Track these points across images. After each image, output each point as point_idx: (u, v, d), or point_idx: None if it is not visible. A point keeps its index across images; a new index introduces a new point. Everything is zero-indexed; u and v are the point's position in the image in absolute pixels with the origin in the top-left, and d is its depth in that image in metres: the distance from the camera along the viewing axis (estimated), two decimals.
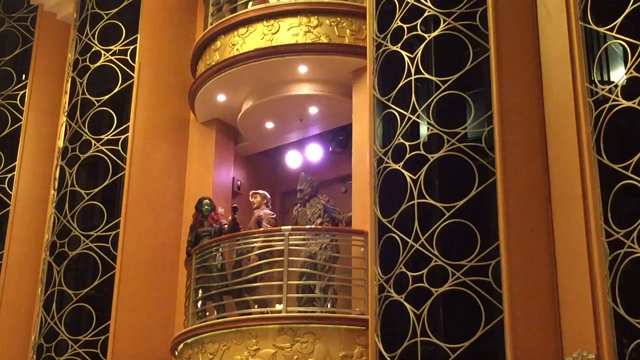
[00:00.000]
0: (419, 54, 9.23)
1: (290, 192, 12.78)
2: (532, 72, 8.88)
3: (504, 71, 8.69)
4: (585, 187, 7.98)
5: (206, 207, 11.68)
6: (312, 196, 11.46)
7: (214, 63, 12.11)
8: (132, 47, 12.84)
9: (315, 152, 13.09)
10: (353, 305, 10.59)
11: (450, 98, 8.89)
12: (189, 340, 10.92)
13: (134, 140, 12.33)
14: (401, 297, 8.65)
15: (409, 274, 8.61)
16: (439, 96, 8.93)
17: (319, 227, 11.06)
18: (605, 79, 8.15)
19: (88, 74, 13.00)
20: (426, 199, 8.68)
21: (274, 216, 11.66)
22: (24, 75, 14.66)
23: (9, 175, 13.98)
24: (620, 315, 7.33)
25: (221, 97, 12.54)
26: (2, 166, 14.09)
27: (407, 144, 9.05)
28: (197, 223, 11.68)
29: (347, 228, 11.05)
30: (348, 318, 10.24)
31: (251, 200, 11.91)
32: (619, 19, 7.83)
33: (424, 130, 9.01)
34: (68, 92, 13.29)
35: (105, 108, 12.66)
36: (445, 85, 8.92)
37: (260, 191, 11.98)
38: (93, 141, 12.49)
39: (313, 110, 12.38)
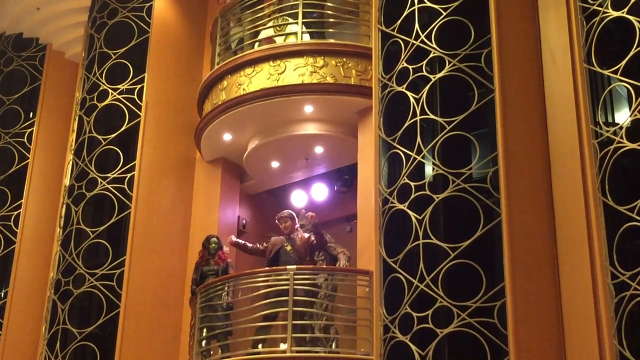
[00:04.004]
0: (424, 95, 9.28)
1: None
2: (537, 113, 8.92)
3: (509, 112, 8.72)
4: (590, 229, 7.98)
5: (213, 245, 11.68)
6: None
7: (220, 102, 12.18)
8: (139, 86, 12.95)
9: (320, 192, 13.12)
10: (358, 345, 10.53)
11: (456, 139, 8.91)
12: None
13: (140, 178, 12.38)
14: (406, 338, 8.61)
15: (414, 314, 8.58)
16: (444, 137, 8.96)
17: (324, 267, 11.03)
18: (610, 120, 8.18)
19: (95, 112, 13.10)
20: (431, 239, 8.68)
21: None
22: (31, 114, 14.77)
23: (15, 212, 14.03)
24: (626, 357, 7.28)
25: (227, 136, 12.59)
26: (8, 204, 14.14)
27: (412, 184, 9.07)
28: (203, 261, 11.67)
29: (352, 268, 11.02)
30: (353, 358, 10.19)
31: (283, 225, 11.34)
32: (623, 62, 7.88)
33: (429, 171, 9.03)
34: (75, 130, 13.38)
35: (111, 146, 12.73)
36: (451, 125, 8.95)
37: (287, 213, 11.46)
38: (99, 179, 12.54)
39: (318, 149, 12.43)
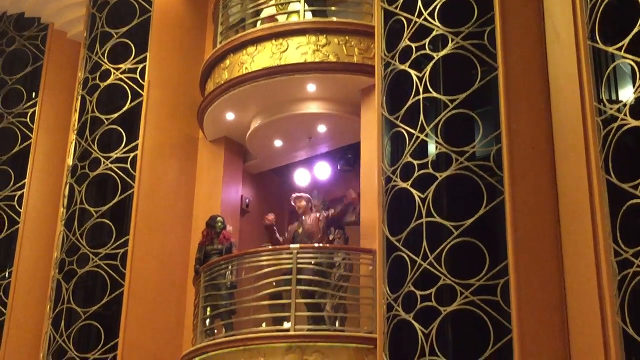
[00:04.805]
0: (427, 73, 9.26)
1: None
2: (540, 90, 8.89)
3: (512, 90, 8.70)
4: (593, 206, 7.97)
5: (219, 223, 11.70)
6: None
7: (222, 81, 12.15)
8: (141, 65, 12.91)
9: (323, 170, 13.10)
10: (361, 323, 10.57)
11: (459, 117, 8.90)
12: (197, 358, 10.92)
13: (143, 158, 12.37)
14: (409, 316, 8.64)
15: (417, 292, 8.60)
16: (447, 115, 8.95)
17: (327, 245, 11.05)
18: (614, 98, 8.14)
19: (98, 92, 13.07)
20: (434, 217, 8.69)
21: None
22: (34, 94, 14.73)
23: (19, 192, 14.02)
24: (629, 334, 7.29)
25: (230, 116, 12.57)
26: (11, 184, 14.13)
27: (415, 162, 9.07)
28: (207, 240, 11.67)
29: (356, 247, 11.04)
30: (356, 337, 10.21)
31: (297, 205, 11.56)
32: (627, 39, 7.83)
33: (432, 149, 9.02)
34: (78, 110, 13.36)
35: (114, 126, 12.71)
36: (454, 104, 8.94)
37: (305, 194, 11.66)
38: (102, 159, 12.54)
39: (321, 128, 12.41)
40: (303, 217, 11.45)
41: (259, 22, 12.30)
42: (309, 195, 11.65)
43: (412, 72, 9.43)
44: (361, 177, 11.34)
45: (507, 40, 8.88)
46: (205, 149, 13.21)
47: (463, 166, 8.68)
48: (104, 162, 12.51)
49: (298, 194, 11.64)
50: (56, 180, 13.81)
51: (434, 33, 9.33)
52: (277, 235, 11.61)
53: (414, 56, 9.48)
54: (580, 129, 8.33)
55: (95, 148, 12.66)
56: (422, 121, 9.15)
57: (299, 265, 10.45)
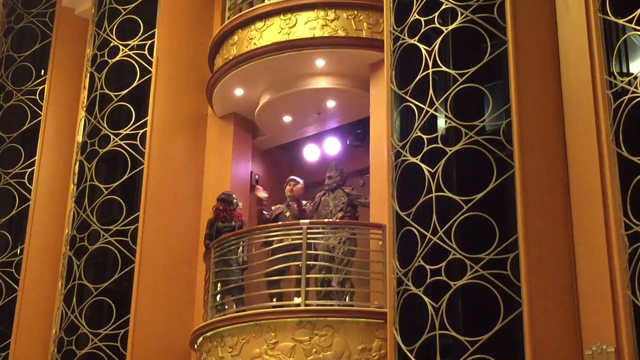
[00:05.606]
0: (436, 47, 9.21)
1: (307, 185, 12.77)
2: (551, 64, 8.85)
3: (522, 64, 8.65)
4: (604, 180, 7.95)
5: (235, 200, 11.74)
6: (339, 185, 11.50)
7: (231, 57, 12.13)
8: (149, 41, 12.87)
9: (333, 146, 13.09)
10: (371, 298, 10.59)
11: (468, 91, 8.87)
12: (208, 334, 10.97)
13: (152, 134, 12.37)
14: (419, 291, 8.66)
15: (427, 267, 8.61)
16: (456, 89, 8.91)
17: (337, 220, 11.07)
18: (625, 70, 8.11)
19: (106, 68, 13.05)
20: (444, 192, 8.68)
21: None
22: (42, 71, 14.72)
23: (29, 170, 14.06)
24: (639, 307, 7.30)
25: (239, 91, 12.56)
26: (22, 161, 14.17)
27: (424, 137, 9.05)
28: (223, 215, 11.62)
29: (365, 222, 11.05)
30: (367, 311, 10.25)
31: (292, 188, 11.81)
32: (638, 11, 7.78)
33: (441, 124, 9.00)
34: (87, 87, 13.35)
35: (123, 103, 12.70)
36: (463, 78, 8.89)
37: (300, 181, 11.85)
38: (112, 136, 12.54)
39: (331, 103, 12.39)
40: (290, 203, 11.69)
41: None
42: (302, 183, 11.82)
43: (422, 46, 9.38)
44: (371, 152, 11.34)
45: (517, 13, 8.82)
46: (214, 125, 13.20)
47: (473, 140, 8.65)
48: (113, 139, 12.51)
49: (295, 179, 11.87)
50: (66, 157, 13.85)
51: (443, 7, 9.27)
52: (265, 213, 12.01)
53: (423, 30, 9.43)
54: (590, 102, 8.30)
55: (105, 125, 12.67)
56: (431, 95, 9.12)
57: (308, 241, 10.47)
